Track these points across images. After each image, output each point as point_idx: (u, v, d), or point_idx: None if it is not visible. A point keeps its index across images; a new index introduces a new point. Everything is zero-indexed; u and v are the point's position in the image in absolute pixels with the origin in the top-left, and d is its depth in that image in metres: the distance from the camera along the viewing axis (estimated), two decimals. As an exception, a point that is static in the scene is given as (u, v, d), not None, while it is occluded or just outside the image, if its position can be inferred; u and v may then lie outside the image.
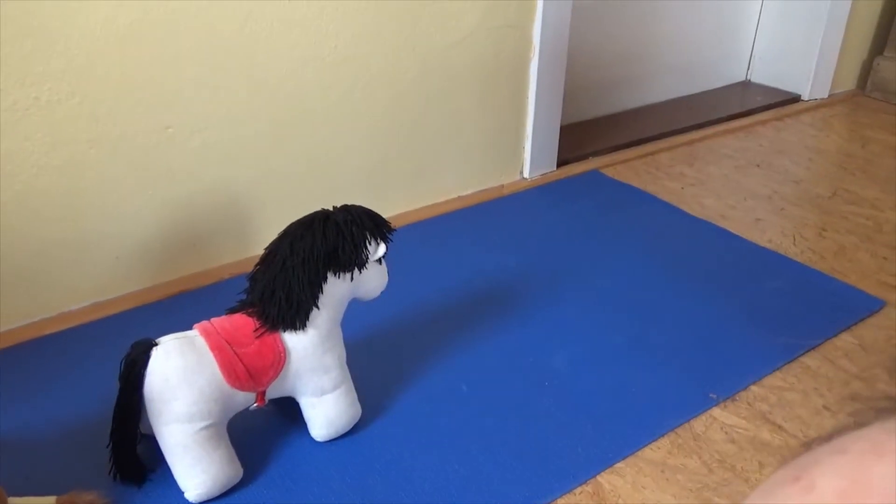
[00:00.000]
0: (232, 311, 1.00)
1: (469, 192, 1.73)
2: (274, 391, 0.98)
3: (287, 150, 1.41)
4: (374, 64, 1.45)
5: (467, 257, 1.48)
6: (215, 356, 0.92)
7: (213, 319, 0.97)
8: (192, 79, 1.25)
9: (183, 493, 0.93)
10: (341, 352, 1.02)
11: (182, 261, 1.37)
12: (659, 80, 2.26)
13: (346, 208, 0.99)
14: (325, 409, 1.01)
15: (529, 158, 1.79)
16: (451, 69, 1.56)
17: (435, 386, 1.14)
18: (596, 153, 1.94)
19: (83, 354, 1.18)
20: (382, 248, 1.00)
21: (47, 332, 1.22)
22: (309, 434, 1.03)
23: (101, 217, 1.25)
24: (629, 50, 2.15)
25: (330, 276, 0.97)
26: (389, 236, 1.02)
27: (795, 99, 2.33)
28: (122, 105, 1.20)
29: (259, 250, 1.42)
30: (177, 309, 1.31)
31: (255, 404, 0.97)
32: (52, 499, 0.89)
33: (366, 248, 0.99)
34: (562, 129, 1.82)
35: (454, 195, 1.71)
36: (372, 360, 1.17)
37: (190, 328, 0.96)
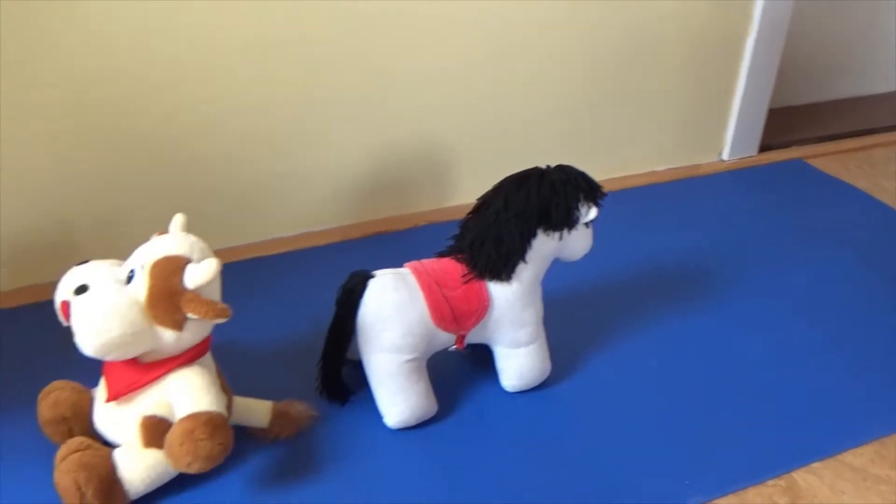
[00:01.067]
0: (441, 254, 1.04)
1: (662, 168, 1.69)
2: (473, 337, 1.02)
3: (490, 110, 1.44)
4: (577, 30, 1.43)
5: (660, 233, 1.46)
6: (425, 295, 0.97)
7: (423, 260, 1.02)
8: (412, 31, 1.30)
9: (382, 417, 0.99)
10: (539, 308, 1.04)
11: (385, 202, 1.43)
12: (883, 68, 2.09)
13: (562, 168, 1.00)
14: (518, 362, 1.04)
15: (731, 140, 1.72)
16: (657, 40, 1.52)
17: (624, 355, 1.13)
18: (802, 141, 1.83)
19: (294, 278, 1.28)
20: (594, 212, 1.01)
21: (264, 253, 1.32)
22: (499, 383, 1.06)
23: (321, 153, 1.33)
24: (854, 34, 2.00)
25: (539, 233, 0.99)
26: (601, 201, 1.02)
27: None
28: (347, 50, 1.27)
29: (455, 201, 1.49)
30: (375, 247, 1.38)
31: (454, 346, 1.02)
32: (270, 403, 0.97)
33: (578, 209, 0.99)
34: (768, 112, 1.73)
35: (646, 170, 1.67)
36: (566, 321, 1.17)
37: (386, 267, 1.00)
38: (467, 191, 1.48)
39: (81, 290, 0.82)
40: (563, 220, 0.99)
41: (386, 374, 0.97)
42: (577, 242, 1.03)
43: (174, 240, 0.84)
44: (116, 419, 0.88)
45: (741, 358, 1.13)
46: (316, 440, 0.98)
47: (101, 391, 0.90)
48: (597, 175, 1.61)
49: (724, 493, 0.91)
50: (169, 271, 0.81)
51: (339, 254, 1.35)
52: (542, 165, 1.01)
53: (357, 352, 1.01)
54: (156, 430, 0.85)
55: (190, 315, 0.82)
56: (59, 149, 1.16)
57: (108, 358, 0.82)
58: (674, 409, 1.04)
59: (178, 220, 0.89)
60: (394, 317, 0.95)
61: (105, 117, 1.16)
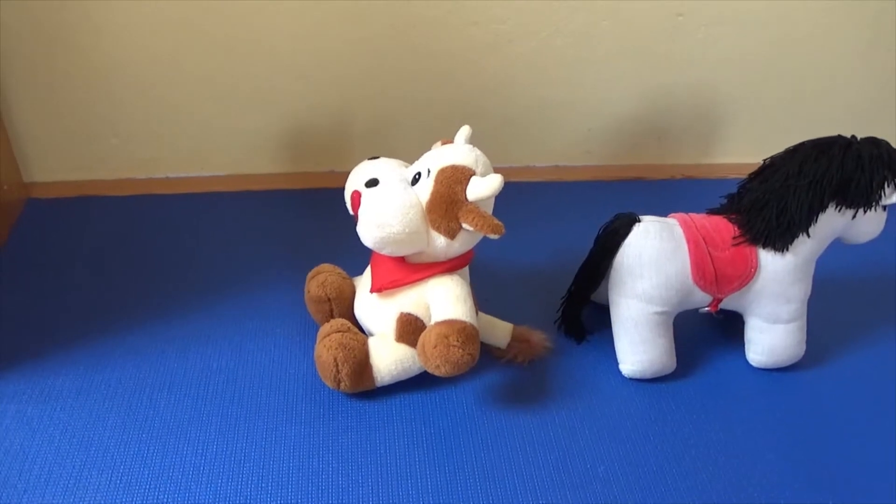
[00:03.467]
0: (712, 212, 0.99)
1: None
2: (729, 302, 0.96)
3: (778, 67, 1.32)
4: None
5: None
6: (690, 249, 0.93)
7: (692, 214, 0.97)
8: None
9: (618, 363, 0.97)
10: (808, 287, 0.96)
11: (643, 149, 1.38)
12: None
13: (874, 141, 0.90)
14: (772, 338, 0.97)
15: None
16: None
17: (890, 355, 1.03)
18: None
19: (546, 209, 1.28)
20: (898, 195, 0.91)
21: (518, 179, 1.33)
22: (744, 355, 1.01)
23: (593, 87, 1.30)
24: None
25: (830, 207, 0.91)
26: (910, 184, 0.91)
27: None
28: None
29: (716, 160, 1.41)
30: (627, 194, 1.34)
31: (706, 308, 0.97)
32: (511, 326, 0.99)
33: (882, 189, 0.90)
34: None
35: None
36: (831, 305, 1.09)
37: (637, 215, 0.96)
38: (732, 151, 1.39)
39: (373, 183, 0.86)
40: (863, 199, 0.90)
41: (632, 322, 0.95)
42: (867, 224, 0.94)
43: (462, 150, 0.86)
44: (376, 309, 0.93)
45: None
46: (548, 371, 0.99)
47: (364, 281, 0.96)
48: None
49: None
50: (454, 180, 0.83)
51: (590, 193, 1.33)
52: (848, 135, 0.92)
53: (602, 295, 1.00)
54: (410, 328, 0.90)
55: (465, 226, 0.84)
56: (346, 55, 1.22)
57: (383, 251, 0.87)
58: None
59: (465, 131, 0.91)
60: (653, 265, 0.92)
61: (395, 26, 1.20)
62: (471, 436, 0.89)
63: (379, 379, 0.91)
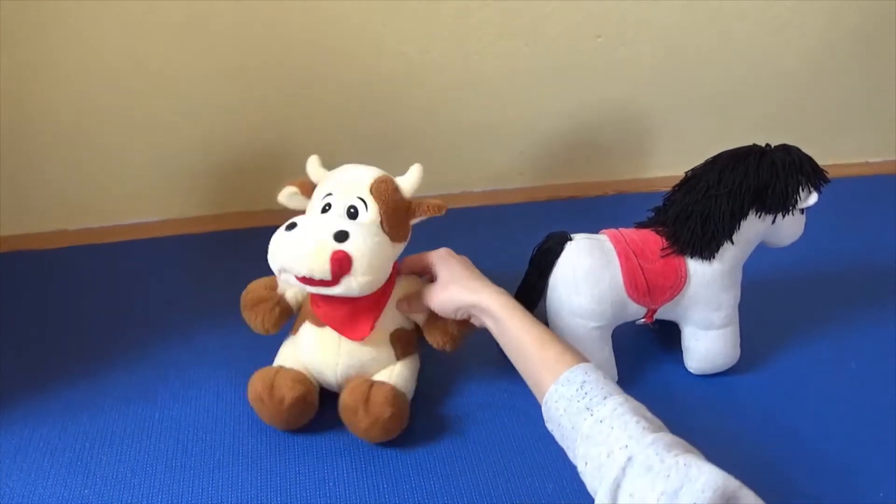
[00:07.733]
0: (640, 225, 1.01)
1: (878, 159, 1.56)
2: (664, 312, 0.99)
3: (702, 79, 1.37)
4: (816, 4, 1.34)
5: (866, 229, 1.35)
6: (621, 263, 0.95)
7: (621, 229, 1.00)
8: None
9: (563, 380, 0.99)
10: (737, 292, 1.00)
11: (575, 167, 1.42)
12: None
13: (785, 148, 0.95)
14: (707, 344, 1.00)
15: (959, 136, 1.56)
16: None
17: (819, 354, 1.07)
18: None
19: (483, 233, 1.30)
20: (814, 198, 0.95)
21: (453, 205, 1.34)
22: (682, 363, 1.03)
23: (520, 110, 1.33)
24: None
25: (750, 214, 0.94)
26: (822, 187, 0.96)
27: None
28: (563, 8, 1.25)
29: (647, 174, 1.45)
30: (561, 211, 1.37)
31: (642, 319, 1.00)
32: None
33: (797, 193, 0.94)
34: None
35: (860, 160, 1.55)
36: (760, 308, 1.12)
37: (568, 233, 0.98)
38: (660, 164, 1.44)
39: (342, 237, 0.81)
40: (780, 204, 0.93)
41: (571, 338, 0.96)
42: (788, 228, 0.98)
43: (366, 170, 0.89)
44: (359, 352, 0.92)
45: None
46: (491, 393, 1.00)
47: (322, 343, 0.93)
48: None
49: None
50: (391, 190, 0.87)
51: (526, 214, 1.35)
52: (762, 144, 0.96)
53: (542, 314, 1.01)
54: (405, 338, 0.95)
55: (420, 218, 0.89)
56: (275, 91, 1.23)
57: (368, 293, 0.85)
58: (869, 418, 0.97)
59: (314, 159, 0.95)
60: (586, 282, 0.94)
61: (321, 60, 1.21)
62: (419, 464, 0.89)
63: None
